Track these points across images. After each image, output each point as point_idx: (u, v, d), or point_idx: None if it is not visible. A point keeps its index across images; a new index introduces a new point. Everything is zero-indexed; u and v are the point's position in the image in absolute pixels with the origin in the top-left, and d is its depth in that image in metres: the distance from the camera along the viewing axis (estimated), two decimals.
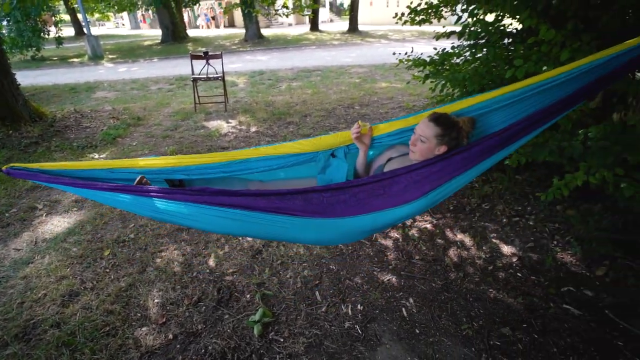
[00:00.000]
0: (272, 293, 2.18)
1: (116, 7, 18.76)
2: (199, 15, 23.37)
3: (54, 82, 8.96)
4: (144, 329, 1.96)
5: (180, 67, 10.61)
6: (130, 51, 15.40)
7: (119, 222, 2.92)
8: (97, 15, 22.45)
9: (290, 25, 28.60)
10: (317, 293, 2.18)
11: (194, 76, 5.80)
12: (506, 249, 2.46)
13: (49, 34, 13.15)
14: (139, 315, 2.05)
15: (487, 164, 1.44)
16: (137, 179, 1.44)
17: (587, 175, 2.14)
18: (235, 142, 4.54)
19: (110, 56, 13.76)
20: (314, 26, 20.51)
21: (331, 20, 32.61)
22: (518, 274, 2.25)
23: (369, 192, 1.34)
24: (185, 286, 2.25)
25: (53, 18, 14.23)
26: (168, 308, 2.10)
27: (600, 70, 1.29)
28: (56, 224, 2.93)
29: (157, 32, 20.69)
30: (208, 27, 27.02)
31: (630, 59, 1.26)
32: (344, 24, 23.41)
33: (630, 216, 2.41)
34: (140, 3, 20.87)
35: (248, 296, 2.17)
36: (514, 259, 2.36)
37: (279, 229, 1.36)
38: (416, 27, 3.50)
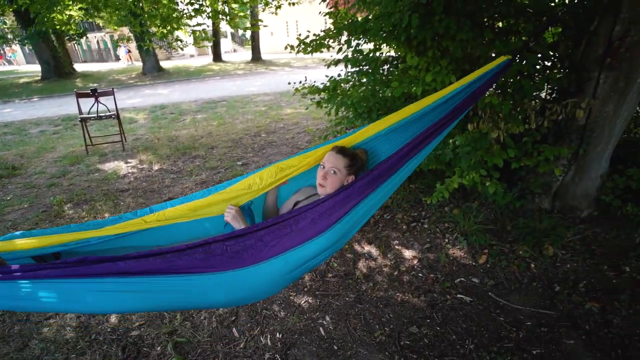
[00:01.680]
0: (186, 339, 2.05)
1: None
2: (119, 46, 21.50)
3: None
4: None
5: (67, 105, 9.56)
6: (0, 90, 13.38)
7: None
8: None
9: (192, 56, 28.01)
10: (234, 330, 2.11)
11: (82, 116, 5.28)
12: (407, 253, 2.70)
13: None
14: None
15: (388, 185, 1.49)
16: None
17: (460, 178, 2.50)
18: (136, 182, 4.22)
19: None
20: (217, 57, 20.42)
21: (234, 50, 32.85)
22: (419, 274, 2.48)
23: (275, 233, 1.26)
24: (82, 353, 1.99)
25: None
26: None
27: (463, 94, 1.53)
28: None
29: (36, 68, 18.39)
30: (129, 59, 25.12)
31: (485, 82, 1.55)
32: (247, 54, 23.79)
33: (497, 208, 2.86)
34: (11, 37, 18.39)
35: (159, 348, 2.00)
36: (415, 261, 2.60)
37: (182, 293, 1.19)
38: (316, 54, 3.77)
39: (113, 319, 2.21)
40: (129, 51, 24.57)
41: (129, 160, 4.98)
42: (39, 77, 15.79)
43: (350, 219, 1.38)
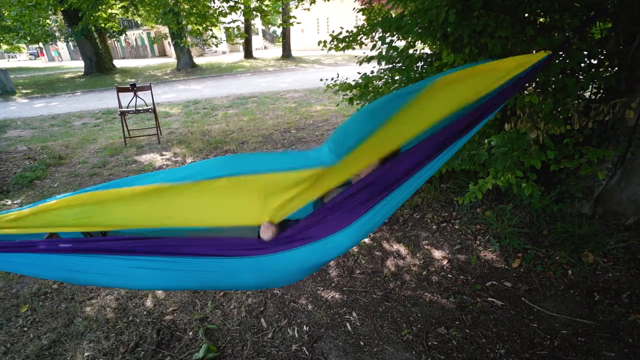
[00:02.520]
0: (216, 326, 2.12)
1: (28, 39, 17.26)
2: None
3: None
4: None
5: (107, 100, 10.05)
6: (48, 85, 14.24)
7: None
8: (5, 46, 20.50)
9: (224, 53, 28.61)
10: (262, 320, 2.16)
11: (121, 109, 5.54)
12: (437, 254, 2.65)
13: None
14: None
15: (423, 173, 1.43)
16: (46, 235, 1.26)
17: (495, 179, 2.43)
18: None
19: (23, 91, 12.60)
20: (248, 54, 20.76)
21: (265, 48, 33.25)
22: (449, 275, 2.44)
23: (305, 226, 1.26)
24: (121, 332, 2.10)
25: None
26: None
27: (496, 93, 1.44)
28: None
29: (80, 64, 19.44)
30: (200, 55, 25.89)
31: (521, 79, 1.44)
32: (277, 51, 24.02)
33: (533, 211, 2.75)
34: (58, 34, 19.52)
35: (190, 333, 2.09)
36: (445, 262, 2.56)
37: (214, 274, 1.25)
38: (347, 51, 3.79)
39: (149, 302, 2.32)
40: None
41: (164, 153, 5.18)
42: (82, 73, 16.67)
43: (379, 209, 1.33)
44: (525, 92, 2.80)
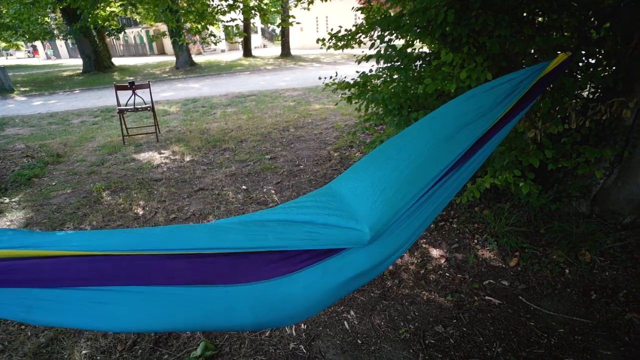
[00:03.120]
0: None
1: (27, 36, 17.22)
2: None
3: None
4: None
5: (105, 98, 10.03)
6: (46, 82, 14.21)
7: None
8: (3, 44, 20.42)
9: (223, 51, 28.57)
10: None
11: (120, 107, 5.53)
12: (435, 252, 2.66)
13: None
14: None
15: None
16: None
17: (493, 178, 2.44)
18: (169, 173, 4.39)
19: (22, 89, 12.57)
20: (247, 52, 20.73)
21: (264, 46, 33.20)
22: (446, 274, 2.44)
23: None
24: None
25: None
26: (98, 358, 1.93)
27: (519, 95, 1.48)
28: None
29: (78, 62, 19.39)
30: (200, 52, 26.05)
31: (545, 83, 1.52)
32: (277, 49, 24.00)
33: (531, 210, 2.76)
34: (56, 32, 19.47)
35: (188, 332, 2.09)
36: (442, 261, 2.57)
37: (204, 307, 0.96)
38: (346, 50, 3.79)
39: None
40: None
41: (162, 151, 5.17)
42: (81, 71, 16.65)
43: (410, 224, 1.23)
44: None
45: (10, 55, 36.51)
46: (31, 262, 0.82)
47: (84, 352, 1.97)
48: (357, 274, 1.13)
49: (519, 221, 2.74)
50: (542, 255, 2.46)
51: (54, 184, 4.25)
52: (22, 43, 22.36)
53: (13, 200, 3.85)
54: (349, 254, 1.11)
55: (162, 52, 31.38)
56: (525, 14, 2.68)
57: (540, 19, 2.81)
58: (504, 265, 2.46)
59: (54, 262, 0.84)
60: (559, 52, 2.36)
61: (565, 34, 2.56)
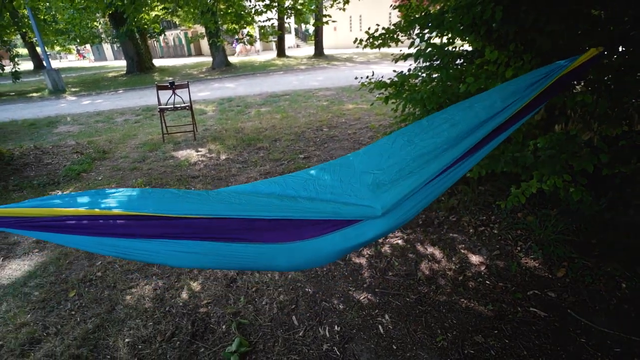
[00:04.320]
0: (248, 321, 2.15)
1: (78, 40, 18.42)
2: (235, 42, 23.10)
3: (11, 118, 8.61)
4: None
5: (146, 97, 10.50)
6: (94, 83, 15.10)
7: (85, 261, 2.80)
8: (58, 48, 21.96)
9: (257, 52, 29.10)
10: (293, 318, 2.16)
11: (160, 107, 5.76)
12: (474, 259, 2.55)
13: (3, 70, 12.72)
14: (109, 357, 1.96)
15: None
16: None
17: (540, 182, 2.30)
18: (205, 170, 4.51)
19: (72, 89, 13.43)
20: (281, 52, 20.98)
21: (297, 46, 33.46)
22: (487, 281, 2.33)
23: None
24: (158, 322, 2.18)
25: (9, 53, 13.77)
26: (140, 347, 2.01)
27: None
28: (15, 268, 2.77)
29: (122, 63, 20.47)
30: (244, 50, 27.19)
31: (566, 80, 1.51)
32: (310, 49, 24.11)
33: (581, 218, 2.58)
34: (104, 36, 20.67)
35: (224, 327, 2.13)
36: (482, 268, 2.46)
37: (252, 257, 1.32)
38: (379, 50, 3.74)
39: (184, 294, 2.39)
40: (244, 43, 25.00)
41: (199, 149, 5.33)
42: (124, 72, 17.54)
43: (415, 199, 1.45)
44: (575, 90, 2.63)
45: (62, 58, 39.20)
46: (125, 222, 1.15)
47: (126, 340, 2.06)
48: (369, 239, 1.43)
49: (567, 229, 2.57)
50: (594, 267, 2.29)
51: (100, 178, 4.49)
52: (73, 47, 23.96)
53: (65, 193, 4.11)
54: (364, 224, 1.39)
55: (199, 53, 32.46)
56: (581, 8, 2.51)
57: (595, 12, 2.62)
58: (550, 276, 2.31)
59: (141, 223, 1.16)
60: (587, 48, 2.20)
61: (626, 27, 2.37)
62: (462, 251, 2.64)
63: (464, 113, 1.54)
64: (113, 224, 1.15)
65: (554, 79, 1.53)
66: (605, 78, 2.27)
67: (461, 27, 2.63)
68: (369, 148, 1.61)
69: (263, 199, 1.37)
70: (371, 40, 3.75)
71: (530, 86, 1.53)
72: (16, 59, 13.28)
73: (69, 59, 38.09)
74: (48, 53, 15.59)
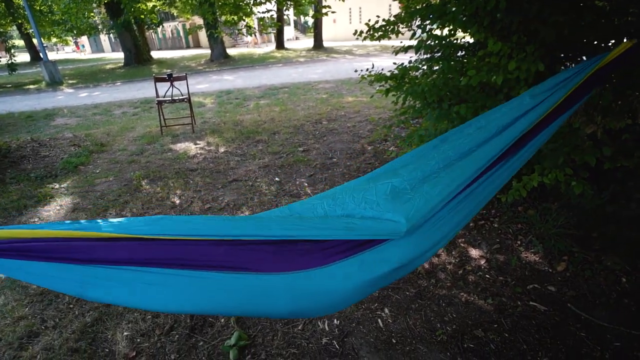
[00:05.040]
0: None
1: (75, 31, 18.22)
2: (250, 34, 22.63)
3: (8, 110, 8.54)
4: None
5: (144, 89, 10.41)
6: (91, 75, 14.97)
7: None
8: (54, 39, 21.73)
9: (256, 44, 28.85)
10: None
11: (158, 99, 5.70)
12: (474, 253, 2.54)
13: None
14: (107, 350, 1.95)
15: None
16: None
17: (541, 176, 2.28)
18: (204, 163, 4.48)
19: (70, 81, 13.31)
20: (280, 44, 20.79)
21: (297, 38, 33.19)
22: (487, 275, 2.33)
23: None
24: (157, 315, 2.17)
25: (5, 44, 13.62)
26: (138, 340, 2.00)
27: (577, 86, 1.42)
28: None
29: (120, 55, 20.29)
30: (255, 43, 26.81)
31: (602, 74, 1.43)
32: (309, 41, 23.91)
33: (582, 212, 2.57)
34: (100, 27, 20.43)
35: (222, 320, 2.12)
36: (482, 262, 2.45)
37: (243, 293, 1.01)
38: (379, 42, 3.69)
39: None
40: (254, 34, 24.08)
41: (198, 142, 5.29)
42: (122, 64, 17.38)
43: (449, 219, 1.24)
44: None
45: (59, 50, 38.87)
46: (87, 244, 0.89)
47: (125, 333, 2.05)
48: (394, 268, 1.14)
49: (567, 223, 2.56)
50: (594, 261, 2.29)
51: (97, 171, 4.46)
52: (70, 38, 23.71)
53: (62, 186, 4.08)
54: (385, 247, 1.12)
55: (197, 45, 32.18)
56: None
57: (599, 3, 2.58)
58: (550, 270, 2.31)
59: (107, 245, 0.91)
60: (625, 40, 2.16)
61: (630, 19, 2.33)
62: (462, 245, 2.63)
63: (489, 116, 1.42)
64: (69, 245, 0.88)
65: (587, 75, 1.43)
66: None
67: (463, 18, 2.58)
68: (384, 169, 1.37)
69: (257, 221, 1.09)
70: (371, 32, 3.70)
71: (560, 83, 1.43)
72: (12, 51, 13.14)
73: (66, 51, 37.79)
74: (45, 45, 15.42)
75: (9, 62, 12.79)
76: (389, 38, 3.75)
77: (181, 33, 33.21)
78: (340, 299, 1.12)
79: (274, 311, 1.10)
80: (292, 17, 31.22)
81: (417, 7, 3.41)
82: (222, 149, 4.94)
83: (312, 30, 22.63)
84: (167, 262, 0.94)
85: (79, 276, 0.90)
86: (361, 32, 3.72)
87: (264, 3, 8.20)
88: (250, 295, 1.01)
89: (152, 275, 0.94)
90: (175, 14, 22.16)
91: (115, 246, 0.91)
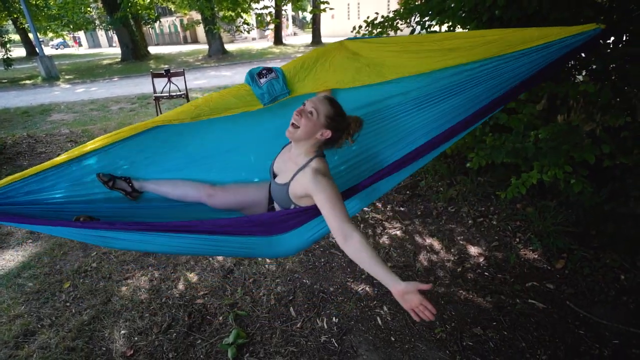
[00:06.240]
0: (246, 313, 2.13)
1: (71, 26, 18.05)
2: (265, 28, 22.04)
3: (3, 105, 8.46)
4: None
5: (142, 85, 10.33)
6: (88, 71, 14.85)
7: (80, 252, 2.76)
8: (50, 34, 21.55)
9: (254, 39, 28.69)
10: (291, 309, 2.15)
11: (156, 95, 5.66)
12: (473, 250, 2.54)
13: None
14: (104, 349, 1.94)
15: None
16: (75, 218, 1.45)
17: (540, 173, 2.27)
18: None
19: (66, 76, 13.20)
20: (278, 40, 20.68)
21: (295, 34, 33.01)
22: (485, 273, 2.33)
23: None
24: (154, 313, 2.16)
25: (0, 38, 13.47)
26: (136, 339, 1.99)
27: (520, 65, 1.26)
28: (8, 259, 2.73)
29: (117, 51, 20.13)
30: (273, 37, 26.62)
31: (557, 55, 1.24)
32: (307, 37, 23.79)
33: (581, 209, 2.56)
34: (97, 22, 20.26)
35: (221, 318, 2.11)
36: (481, 259, 2.44)
37: (236, 245, 1.46)
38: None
39: (181, 285, 2.37)
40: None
41: None
42: (119, 59, 17.24)
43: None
44: (577, 80, 2.58)
45: (60, 47, 38.56)
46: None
47: (122, 332, 2.04)
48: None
49: (566, 221, 2.56)
50: (593, 258, 2.29)
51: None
52: (67, 33, 23.50)
53: None
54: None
55: (195, 40, 31.97)
56: None
57: None
58: (549, 267, 2.31)
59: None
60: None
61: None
62: (461, 242, 2.62)
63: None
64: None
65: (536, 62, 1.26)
66: (610, 68, 2.23)
67: (462, 15, 2.56)
68: None
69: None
70: (370, 28, 3.68)
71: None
72: (8, 46, 13.00)
73: (50, 45, 37.40)
74: (41, 39, 15.27)
75: (5, 57, 12.66)
76: (387, 34, 3.72)
77: (179, 28, 32.97)
78: (296, 247, 1.56)
79: (261, 254, 1.78)
80: (290, 13, 31.04)
81: (417, 3, 3.39)
82: None
83: (310, 26, 22.51)
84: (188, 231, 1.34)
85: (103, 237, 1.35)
86: (360, 27, 3.69)
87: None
88: (248, 247, 1.50)
89: (176, 239, 1.36)
90: (172, 9, 21.98)
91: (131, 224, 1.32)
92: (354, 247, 1.13)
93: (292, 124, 1.33)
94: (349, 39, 1.54)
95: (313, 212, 1.31)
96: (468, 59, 1.29)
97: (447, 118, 1.45)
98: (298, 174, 1.35)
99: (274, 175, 1.50)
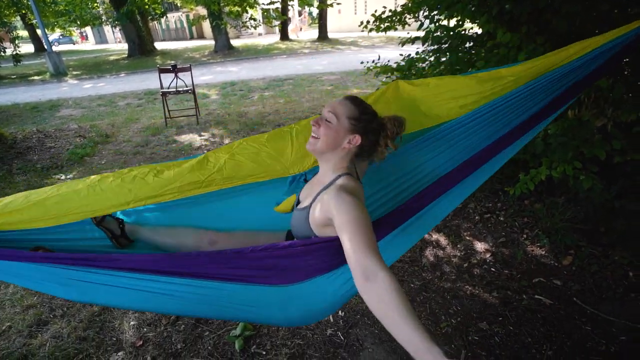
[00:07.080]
0: None
1: (78, 22, 18.17)
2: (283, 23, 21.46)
3: (13, 101, 8.56)
4: (120, 353, 1.89)
5: (148, 81, 10.39)
6: (95, 66, 14.95)
7: None
8: (58, 30, 21.72)
9: (260, 35, 28.64)
10: None
11: (162, 90, 5.69)
12: (480, 246, 2.53)
13: (4, 52, 12.59)
14: (114, 339, 1.97)
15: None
16: (32, 247, 1.14)
17: (549, 169, 2.25)
18: None
19: (74, 72, 13.31)
20: (284, 35, 20.62)
21: (301, 29, 32.87)
22: (492, 269, 2.32)
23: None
24: None
25: (9, 35, 13.60)
26: (145, 330, 2.03)
27: (577, 69, 1.27)
28: None
29: (124, 46, 20.23)
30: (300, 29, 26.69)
31: (610, 55, 1.26)
32: (314, 33, 23.69)
33: (590, 206, 2.54)
34: (104, 18, 20.36)
35: None
36: (488, 255, 2.44)
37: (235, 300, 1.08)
38: (385, 33, 3.64)
39: None
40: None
41: (202, 134, 5.29)
42: (126, 55, 17.33)
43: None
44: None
45: (64, 43, 38.87)
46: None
47: (132, 323, 2.07)
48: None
49: (575, 217, 2.54)
50: (601, 255, 2.27)
51: (103, 162, 4.47)
52: (74, 29, 23.67)
53: (68, 177, 4.10)
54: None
55: (201, 36, 32.00)
56: None
57: None
58: (556, 264, 2.30)
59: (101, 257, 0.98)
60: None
61: None
62: (468, 238, 2.62)
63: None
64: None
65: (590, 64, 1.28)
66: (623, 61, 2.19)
67: (472, 8, 2.54)
68: None
69: None
70: (378, 23, 3.66)
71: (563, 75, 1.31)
72: (17, 41, 13.14)
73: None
74: (48, 35, 15.40)
75: (14, 53, 12.80)
76: (395, 29, 3.70)
77: (185, 24, 33.01)
78: (320, 307, 1.19)
79: (272, 318, 1.22)
80: (296, 8, 30.91)
81: None
82: (226, 141, 4.93)
83: (316, 22, 22.38)
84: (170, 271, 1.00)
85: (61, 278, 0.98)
86: (368, 22, 3.67)
87: None
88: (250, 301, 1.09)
89: (154, 284, 0.99)
90: (179, 5, 22.00)
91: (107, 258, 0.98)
92: (376, 291, 0.78)
93: (312, 136, 1.12)
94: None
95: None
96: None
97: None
98: (321, 194, 1.08)
99: (297, 203, 1.26)
